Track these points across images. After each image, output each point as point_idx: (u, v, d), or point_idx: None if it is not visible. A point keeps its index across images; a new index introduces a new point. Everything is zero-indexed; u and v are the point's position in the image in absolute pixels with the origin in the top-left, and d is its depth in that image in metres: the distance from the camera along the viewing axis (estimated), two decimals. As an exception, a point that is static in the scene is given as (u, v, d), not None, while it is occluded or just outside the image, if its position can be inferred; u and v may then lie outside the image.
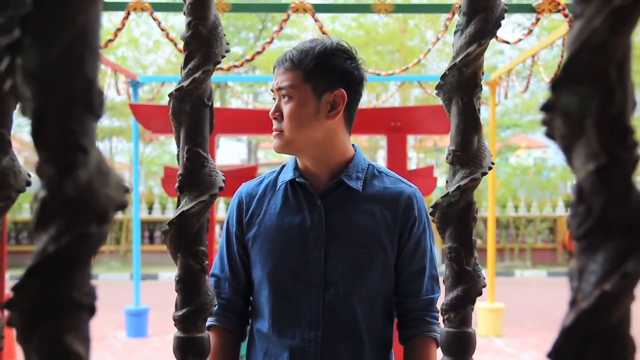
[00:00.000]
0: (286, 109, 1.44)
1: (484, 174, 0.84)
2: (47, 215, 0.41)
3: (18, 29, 0.40)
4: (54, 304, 0.40)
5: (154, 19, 3.95)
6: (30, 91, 0.41)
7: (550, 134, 0.44)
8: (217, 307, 1.53)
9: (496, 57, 14.38)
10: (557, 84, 0.41)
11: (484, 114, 9.48)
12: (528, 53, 5.80)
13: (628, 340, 0.42)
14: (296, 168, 1.51)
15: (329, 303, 1.44)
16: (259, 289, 1.51)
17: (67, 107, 0.41)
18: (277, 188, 1.52)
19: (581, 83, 0.41)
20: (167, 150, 16.23)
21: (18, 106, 0.69)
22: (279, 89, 1.45)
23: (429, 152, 16.54)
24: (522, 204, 13.45)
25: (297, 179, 1.49)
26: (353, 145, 1.56)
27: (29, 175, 0.65)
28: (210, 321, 1.52)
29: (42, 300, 0.40)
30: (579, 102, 0.41)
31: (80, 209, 0.41)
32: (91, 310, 0.42)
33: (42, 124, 0.41)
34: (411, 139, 13.86)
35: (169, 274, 12.31)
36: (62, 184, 0.41)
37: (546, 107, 0.42)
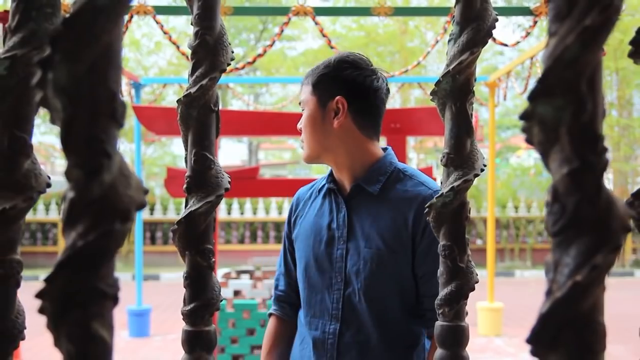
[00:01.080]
0: (302, 120, 1.59)
1: (476, 175, 0.88)
2: (75, 214, 0.45)
3: (49, 47, 0.45)
4: (82, 293, 0.45)
5: (157, 22, 4.00)
6: (60, 103, 0.45)
7: (529, 140, 0.48)
8: (275, 297, 1.77)
9: (496, 57, 14.42)
10: (534, 96, 0.46)
11: (484, 114, 9.51)
12: (527, 55, 5.85)
13: (599, 326, 0.46)
14: (330, 174, 1.65)
15: (347, 299, 1.54)
16: (299, 283, 1.66)
17: (93, 116, 0.46)
18: (319, 192, 1.67)
19: (555, 95, 0.45)
20: (167, 151, 16.28)
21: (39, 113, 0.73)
22: (300, 103, 1.62)
23: (430, 152, 16.59)
24: (522, 204, 13.49)
25: (328, 185, 1.63)
26: (385, 149, 1.65)
27: (49, 178, 0.70)
28: (270, 310, 1.76)
29: (72, 290, 0.45)
30: (553, 112, 0.46)
31: (105, 209, 0.45)
32: (115, 300, 0.46)
33: (70, 132, 0.46)
34: (411, 140, 13.90)
35: (170, 275, 12.36)
36: (89, 186, 0.45)
37: (525, 116, 0.47)
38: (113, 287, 0.46)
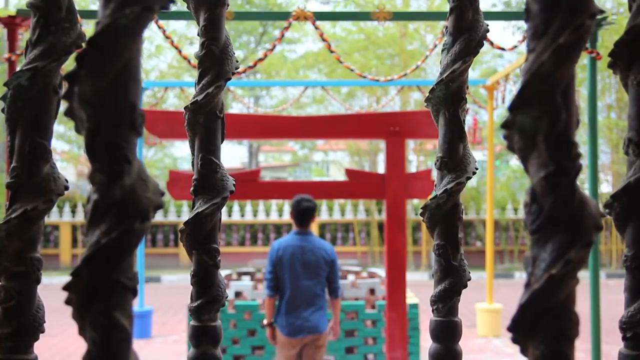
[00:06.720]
0: None
1: (469, 178, 0.93)
2: (99, 214, 0.50)
3: (75, 63, 0.50)
4: (105, 286, 0.50)
5: (159, 27, 4.05)
6: (85, 113, 0.50)
7: (510, 147, 0.53)
8: None
9: (496, 60, 14.47)
10: (513, 107, 0.50)
11: (483, 117, 9.54)
12: (525, 57, 5.89)
13: (572, 315, 0.51)
14: None
15: None
16: None
17: (115, 126, 0.50)
18: None
19: (533, 106, 0.50)
20: (168, 153, 16.34)
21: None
22: None
23: (429, 155, 16.61)
24: (522, 206, 13.53)
25: None
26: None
27: (67, 181, 0.74)
28: None
29: (96, 283, 0.49)
30: (531, 122, 0.50)
31: (126, 209, 0.50)
32: (134, 292, 0.51)
33: (94, 140, 0.50)
34: (411, 142, 13.94)
35: (171, 277, 12.39)
36: (111, 188, 0.50)
37: (505, 125, 0.51)
38: (132, 281, 0.51)
